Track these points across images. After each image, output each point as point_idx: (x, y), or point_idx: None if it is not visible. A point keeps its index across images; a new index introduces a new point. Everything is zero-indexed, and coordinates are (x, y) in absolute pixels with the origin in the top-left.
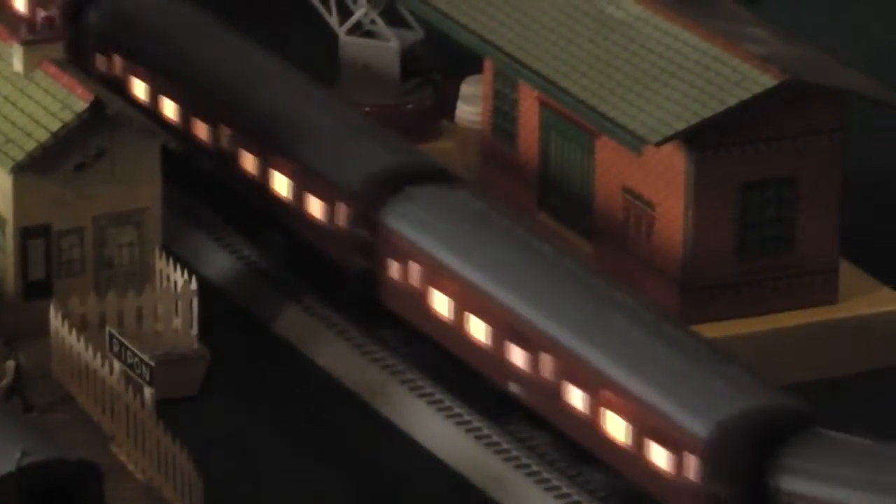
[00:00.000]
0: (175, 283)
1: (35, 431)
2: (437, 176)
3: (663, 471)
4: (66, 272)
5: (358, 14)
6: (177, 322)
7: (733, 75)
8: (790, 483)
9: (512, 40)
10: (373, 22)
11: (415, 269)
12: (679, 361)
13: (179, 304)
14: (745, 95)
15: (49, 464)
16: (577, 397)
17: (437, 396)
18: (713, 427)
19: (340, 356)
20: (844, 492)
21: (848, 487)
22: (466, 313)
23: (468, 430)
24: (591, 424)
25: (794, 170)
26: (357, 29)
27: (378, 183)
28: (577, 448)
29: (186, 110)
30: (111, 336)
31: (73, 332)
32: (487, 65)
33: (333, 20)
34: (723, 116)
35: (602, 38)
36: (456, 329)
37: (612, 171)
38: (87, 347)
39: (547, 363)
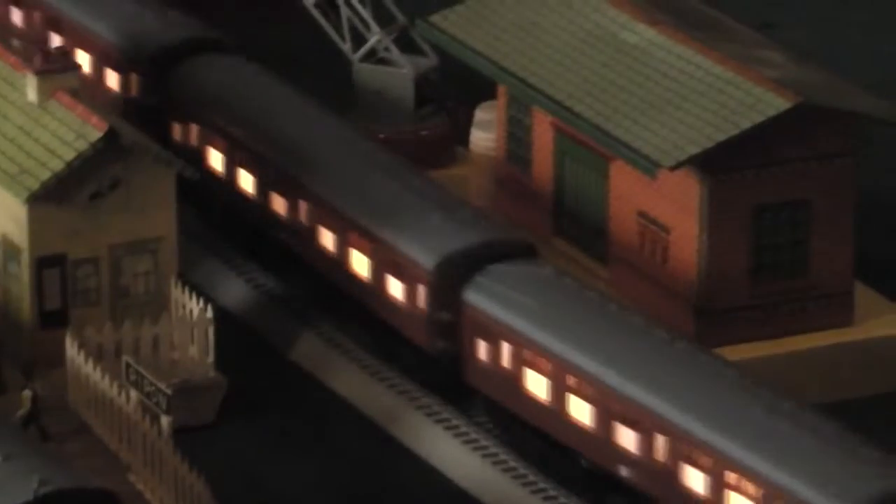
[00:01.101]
0: (191, 311)
1: (52, 460)
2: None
3: None
4: (81, 301)
5: (372, 41)
6: (193, 350)
7: (747, 99)
8: (471, 297)
9: (525, 66)
10: (387, 49)
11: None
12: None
13: (195, 332)
14: (759, 119)
15: (66, 493)
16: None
17: (453, 422)
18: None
19: (355, 382)
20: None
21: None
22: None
23: (484, 455)
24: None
25: (808, 192)
26: (371, 56)
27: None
28: (594, 472)
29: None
30: (127, 365)
31: (90, 361)
32: (501, 91)
33: (347, 47)
34: (736, 140)
35: (616, 62)
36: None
37: (627, 195)
38: (103, 377)
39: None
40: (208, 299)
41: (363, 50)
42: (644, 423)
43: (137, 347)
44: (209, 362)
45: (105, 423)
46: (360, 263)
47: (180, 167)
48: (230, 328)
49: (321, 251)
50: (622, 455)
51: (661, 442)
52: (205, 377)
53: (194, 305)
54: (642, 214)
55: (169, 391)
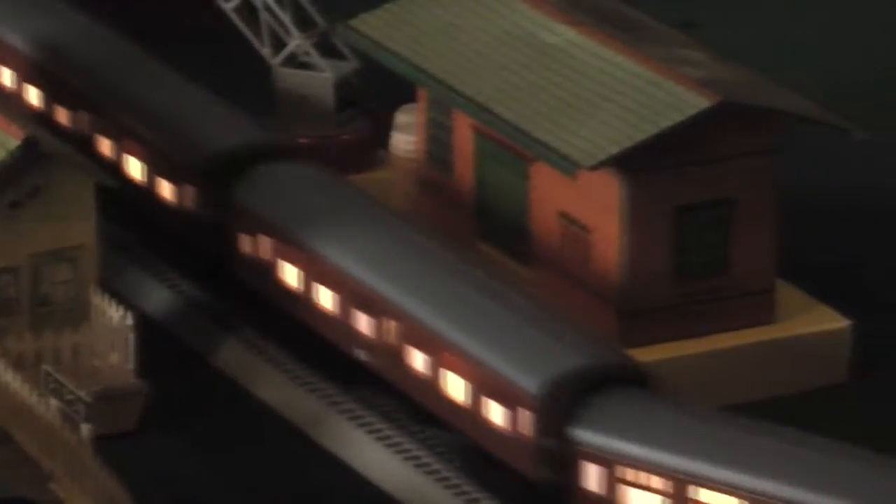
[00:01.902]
0: (112, 318)
1: None
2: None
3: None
4: (1, 311)
5: (291, 45)
6: (114, 358)
7: (667, 98)
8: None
9: (445, 68)
10: (307, 53)
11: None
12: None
13: (116, 339)
14: (679, 118)
15: None
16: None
17: (377, 426)
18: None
19: (280, 388)
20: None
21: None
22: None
23: (407, 458)
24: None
25: (730, 192)
26: (291, 60)
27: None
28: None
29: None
30: (47, 373)
31: (10, 370)
32: (421, 93)
33: (267, 51)
34: (657, 139)
35: (535, 63)
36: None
37: (548, 196)
38: (23, 386)
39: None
40: (129, 307)
41: (283, 54)
42: (377, 308)
43: (58, 356)
44: (130, 369)
45: (26, 432)
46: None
47: (99, 176)
48: (152, 335)
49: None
50: (360, 338)
51: (391, 326)
52: (125, 384)
53: (115, 313)
54: (564, 215)
55: (89, 399)
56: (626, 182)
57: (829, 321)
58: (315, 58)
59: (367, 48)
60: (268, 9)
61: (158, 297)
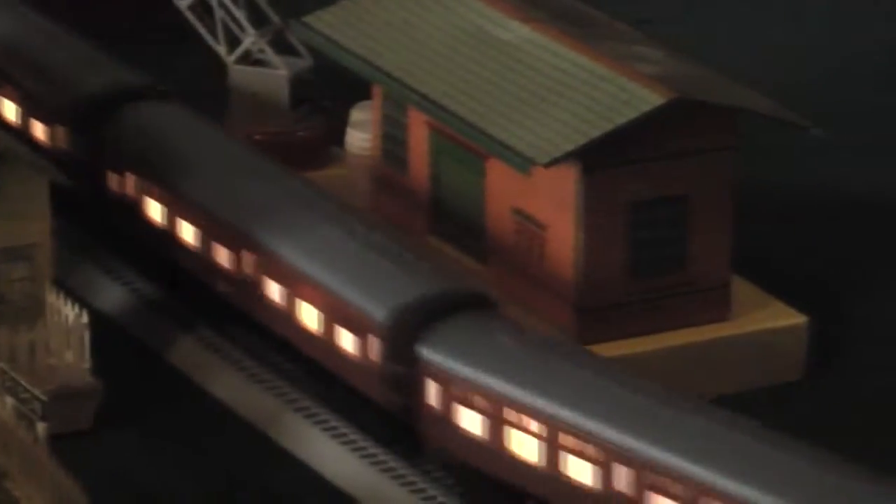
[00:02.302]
0: (67, 317)
1: None
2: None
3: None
4: None
5: (246, 42)
6: (69, 356)
7: (622, 95)
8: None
9: (400, 65)
10: (261, 50)
11: None
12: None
13: (72, 337)
14: (634, 114)
15: None
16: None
17: (332, 423)
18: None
19: (235, 386)
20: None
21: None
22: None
23: (363, 456)
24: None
25: (685, 188)
26: (246, 58)
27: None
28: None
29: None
30: (2, 371)
31: None
32: (376, 90)
33: (222, 49)
34: (611, 136)
35: (490, 60)
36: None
37: (503, 193)
38: None
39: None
40: (85, 304)
41: (238, 52)
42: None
43: (13, 354)
44: (86, 368)
45: None
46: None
47: (53, 174)
48: (107, 333)
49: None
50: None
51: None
52: (81, 383)
53: (70, 311)
54: (518, 212)
55: (44, 397)
56: (581, 179)
57: (785, 317)
58: (270, 55)
59: (321, 45)
60: (222, 6)
61: (113, 295)
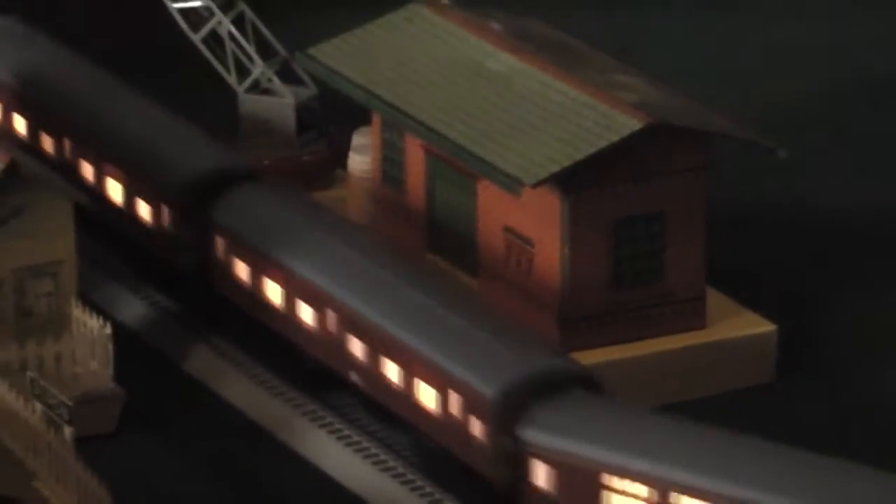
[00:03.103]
0: (91, 328)
1: None
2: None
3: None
4: None
5: (255, 73)
6: (93, 365)
7: (603, 120)
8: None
9: (397, 93)
10: (269, 80)
11: None
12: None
13: (95, 348)
14: (614, 138)
15: None
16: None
17: (338, 426)
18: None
19: (246, 391)
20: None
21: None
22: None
23: (366, 457)
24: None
25: (662, 206)
26: (255, 87)
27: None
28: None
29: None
30: (32, 380)
31: None
32: (375, 117)
33: (232, 79)
34: (593, 158)
35: (481, 88)
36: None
37: (494, 212)
38: (9, 391)
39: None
40: (107, 317)
41: (247, 82)
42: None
43: (41, 363)
44: (109, 375)
45: (12, 435)
46: None
47: (75, 196)
48: (128, 343)
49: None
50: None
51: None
52: (105, 389)
53: (94, 323)
54: (508, 229)
55: (71, 403)
56: (566, 198)
57: (756, 326)
58: (277, 84)
59: (325, 75)
60: (233, 39)
61: (133, 308)
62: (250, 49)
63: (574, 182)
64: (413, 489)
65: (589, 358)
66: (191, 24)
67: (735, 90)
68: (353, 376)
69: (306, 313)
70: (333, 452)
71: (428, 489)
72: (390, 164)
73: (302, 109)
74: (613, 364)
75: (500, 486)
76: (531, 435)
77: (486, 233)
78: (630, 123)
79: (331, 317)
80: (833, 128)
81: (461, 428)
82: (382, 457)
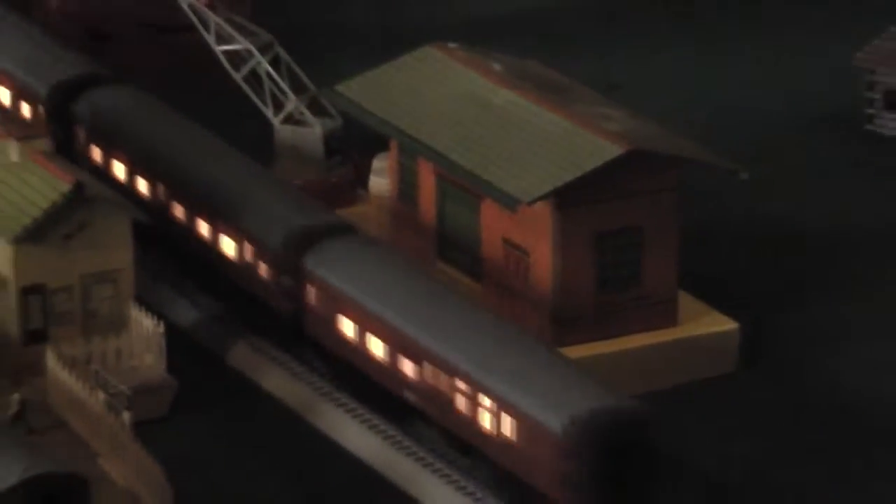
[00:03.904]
0: (146, 327)
1: (35, 450)
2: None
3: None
4: (58, 322)
5: (289, 107)
6: (148, 358)
7: (589, 147)
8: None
9: (411, 124)
10: (301, 113)
11: None
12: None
13: (150, 343)
14: (598, 162)
15: (46, 476)
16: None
17: (359, 411)
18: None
19: (279, 381)
20: None
21: None
22: None
23: (378, 432)
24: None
25: (640, 221)
26: (289, 118)
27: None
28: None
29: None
30: (96, 372)
31: (66, 369)
32: (393, 144)
33: (269, 112)
34: (580, 180)
35: (484, 120)
36: None
37: (494, 226)
38: (77, 382)
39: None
40: (160, 317)
41: (282, 114)
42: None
43: (104, 357)
44: (161, 367)
45: (79, 419)
46: None
47: (134, 213)
48: (178, 340)
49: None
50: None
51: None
52: (158, 380)
53: (149, 322)
54: (507, 241)
55: (129, 392)
56: (557, 214)
57: (721, 324)
58: (307, 116)
59: (349, 108)
60: (269, 77)
61: (183, 309)
62: (284, 86)
63: (564, 200)
64: (418, 460)
65: (577, 352)
66: (233, 65)
67: (706, 121)
68: None
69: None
70: (353, 431)
71: (431, 461)
72: (406, 185)
73: (329, 138)
74: (599, 357)
75: (285, 314)
76: (307, 269)
77: (488, 244)
78: (612, 149)
79: None
80: (789, 154)
81: (254, 271)
82: (393, 434)
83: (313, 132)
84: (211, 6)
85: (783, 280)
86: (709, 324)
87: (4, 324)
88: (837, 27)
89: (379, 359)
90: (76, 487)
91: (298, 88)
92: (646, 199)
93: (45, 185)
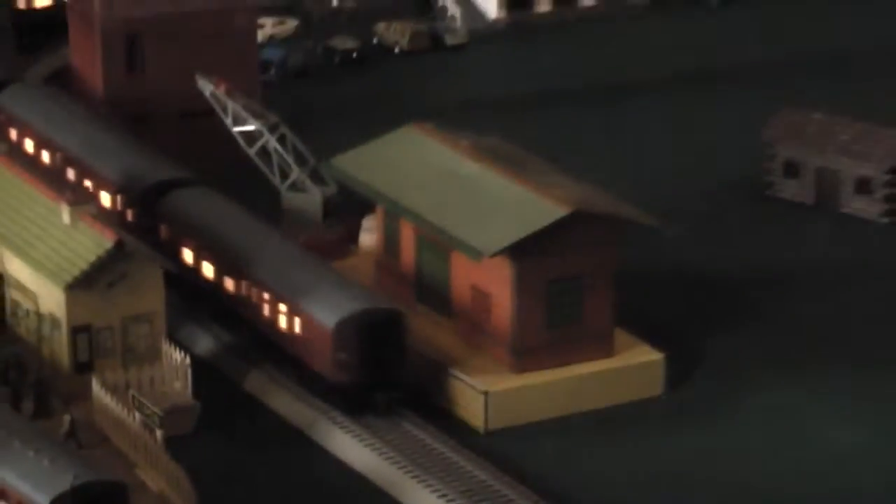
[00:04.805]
0: (175, 359)
1: (83, 461)
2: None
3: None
4: (102, 355)
5: (293, 176)
6: (177, 385)
7: (541, 208)
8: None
9: (394, 191)
10: (303, 181)
11: None
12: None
13: (179, 372)
14: (548, 221)
15: (92, 483)
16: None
17: (352, 427)
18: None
19: (287, 403)
20: None
21: None
22: None
23: (374, 450)
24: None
25: (582, 270)
26: (293, 186)
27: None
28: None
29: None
30: (133, 396)
31: (108, 394)
32: (379, 208)
33: (277, 180)
34: (534, 235)
35: (454, 186)
36: None
37: (463, 273)
38: (117, 404)
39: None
40: (187, 350)
41: (287, 182)
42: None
43: (140, 384)
44: (188, 392)
45: (119, 436)
46: None
47: (165, 264)
48: (202, 369)
49: None
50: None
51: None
52: (185, 402)
53: (177, 355)
54: (473, 286)
55: (161, 413)
56: (514, 264)
57: (649, 354)
58: (308, 184)
59: (343, 177)
60: (277, 152)
61: (206, 343)
62: (289, 159)
63: (520, 253)
64: (407, 472)
65: (531, 378)
66: (247, 142)
67: (636, 186)
68: None
69: None
70: (349, 446)
71: (420, 475)
72: (390, 241)
73: (326, 202)
74: (550, 382)
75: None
76: (161, 210)
77: (458, 288)
78: (560, 211)
79: None
80: (704, 213)
81: (121, 217)
82: (385, 449)
83: (313, 198)
84: (229, 93)
85: (699, 317)
86: (639, 354)
87: (57, 357)
88: (745, 110)
89: (210, 279)
90: (118, 493)
91: (301, 161)
92: (587, 251)
93: (91, 240)
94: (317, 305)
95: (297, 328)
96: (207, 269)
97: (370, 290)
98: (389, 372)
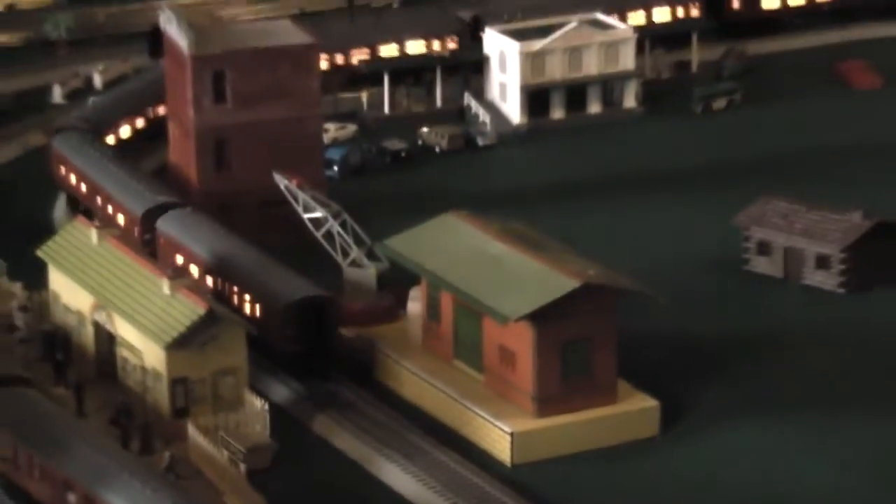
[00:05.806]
0: (255, 405)
1: (181, 491)
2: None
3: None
4: (196, 402)
5: (352, 255)
6: (257, 427)
7: (556, 281)
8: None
9: (436, 267)
10: (360, 259)
11: None
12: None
13: (258, 416)
14: (563, 292)
15: None
16: None
17: (401, 462)
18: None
19: (349, 441)
20: None
21: None
22: None
23: (419, 479)
24: None
25: (591, 332)
26: (353, 263)
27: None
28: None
29: None
30: (221, 437)
31: (201, 435)
32: (424, 281)
33: (339, 258)
34: (551, 304)
35: (485, 264)
36: None
37: (492, 335)
38: (209, 443)
39: None
40: (265, 398)
41: (348, 260)
42: None
43: (227, 426)
44: (267, 433)
45: (210, 469)
46: None
47: (248, 328)
48: (277, 414)
49: None
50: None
51: None
52: (264, 442)
53: (257, 402)
54: (501, 346)
55: (244, 450)
56: (535, 327)
57: (646, 402)
58: (365, 261)
59: (393, 256)
60: (339, 234)
61: (280, 392)
62: (349, 240)
63: (539, 318)
64: (447, 500)
65: (548, 423)
66: (314, 227)
67: (634, 264)
68: None
69: None
70: (399, 477)
71: (459, 501)
72: (432, 308)
73: (379, 276)
74: (565, 424)
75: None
76: (160, 228)
77: (488, 347)
78: (572, 283)
79: None
80: (689, 286)
81: (130, 232)
82: (429, 480)
83: (369, 272)
84: (300, 186)
85: (689, 371)
86: (638, 402)
87: (159, 404)
88: (723, 199)
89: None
90: None
91: (359, 242)
92: (595, 317)
93: (187, 308)
94: (271, 295)
95: (258, 312)
96: None
97: (309, 281)
98: (324, 343)
